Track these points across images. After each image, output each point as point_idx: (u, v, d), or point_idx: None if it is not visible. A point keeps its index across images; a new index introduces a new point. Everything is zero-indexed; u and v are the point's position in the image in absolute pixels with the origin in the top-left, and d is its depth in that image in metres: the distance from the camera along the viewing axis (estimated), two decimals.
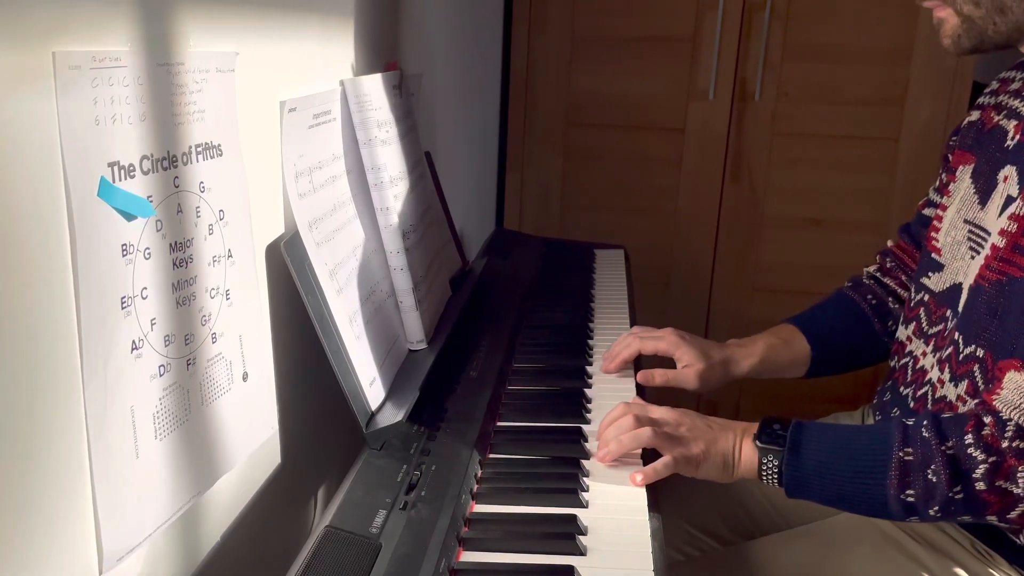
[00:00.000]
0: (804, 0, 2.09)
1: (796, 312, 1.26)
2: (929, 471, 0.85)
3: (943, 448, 0.85)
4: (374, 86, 1.04)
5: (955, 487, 0.84)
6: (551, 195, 2.33)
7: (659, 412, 0.96)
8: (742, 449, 0.93)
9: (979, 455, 0.84)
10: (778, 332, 1.22)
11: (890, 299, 1.22)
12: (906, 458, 0.86)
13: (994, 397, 0.86)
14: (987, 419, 0.85)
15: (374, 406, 0.93)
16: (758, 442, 0.92)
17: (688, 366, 1.14)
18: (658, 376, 1.14)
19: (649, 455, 0.93)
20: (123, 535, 0.62)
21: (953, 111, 2.10)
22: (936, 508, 0.86)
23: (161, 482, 0.67)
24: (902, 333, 1.13)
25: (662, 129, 2.23)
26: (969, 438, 0.85)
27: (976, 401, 0.91)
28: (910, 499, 0.86)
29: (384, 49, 1.25)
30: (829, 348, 1.21)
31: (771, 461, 0.91)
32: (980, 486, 0.84)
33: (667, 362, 1.17)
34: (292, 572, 0.71)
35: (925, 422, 0.88)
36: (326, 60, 1.01)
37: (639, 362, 1.19)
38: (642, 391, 1.12)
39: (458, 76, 1.83)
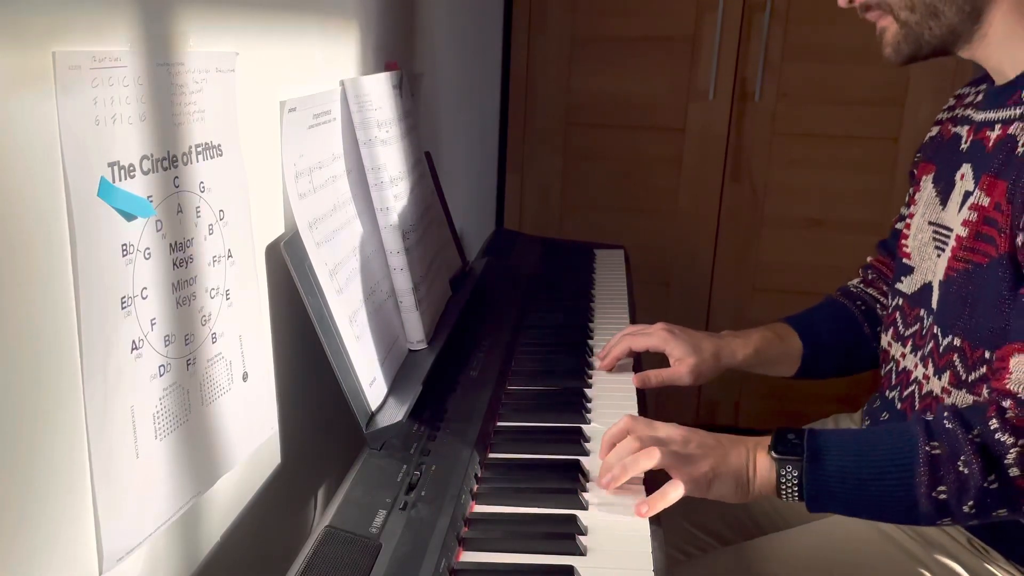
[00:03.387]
0: (804, 0, 2.10)
1: (796, 312, 1.28)
2: (960, 462, 0.82)
3: (970, 436, 0.83)
4: (374, 86, 1.04)
5: (989, 476, 0.82)
6: (551, 195, 2.33)
7: (664, 430, 0.91)
8: (756, 464, 0.88)
9: (1008, 439, 0.82)
10: (772, 327, 1.24)
11: (877, 306, 1.25)
12: (934, 452, 0.83)
13: (1006, 382, 0.86)
14: (1006, 403, 0.84)
15: (374, 406, 0.93)
16: (774, 453, 0.87)
17: (679, 360, 1.15)
18: (653, 378, 1.15)
19: (650, 477, 0.88)
20: (123, 535, 0.62)
21: None
22: (971, 503, 0.83)
23: (161, 482, 0.67)
24: (884, 340, 1.15)
25: (662, 129, 2.23)
26: (994, 423, 0.83)
27: (990, 390, 0.90)
28: (942, 496, 0.83)
29: (384, 49, 1.25)
30: (821, 347, 1.23)
31: (790, 473, 0.86)
32: (1014, 472, 0.82)
33: (663, 360, 1.17)
34: (292, 572, 0.71)
35: (946, 414, 0.86)
36: (326, 60, 1.01)
37: (639, 363, 1.20)
38: (642, 393, 1.12)
39: (458, 76, 1.83)
